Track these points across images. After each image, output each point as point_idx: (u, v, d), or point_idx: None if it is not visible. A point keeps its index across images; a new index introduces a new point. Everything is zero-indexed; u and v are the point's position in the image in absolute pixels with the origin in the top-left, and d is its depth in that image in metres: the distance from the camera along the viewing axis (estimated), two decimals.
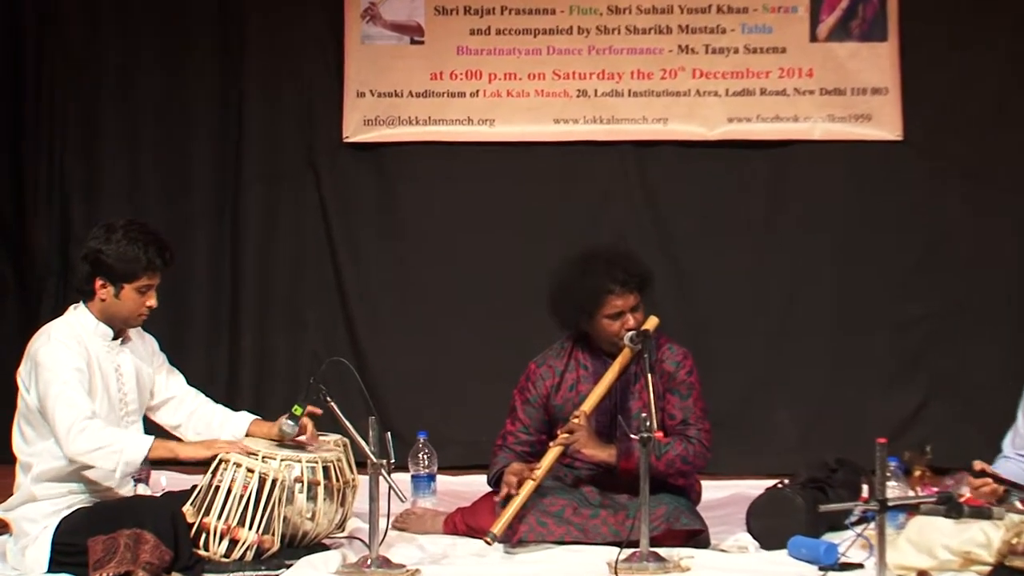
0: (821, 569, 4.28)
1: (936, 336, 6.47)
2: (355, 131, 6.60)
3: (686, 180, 6.59)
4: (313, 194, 6.64)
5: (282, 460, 4.26)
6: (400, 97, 6.57)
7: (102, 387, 4.28)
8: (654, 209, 6.60)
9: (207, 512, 4.20)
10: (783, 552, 4.47)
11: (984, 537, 3.98)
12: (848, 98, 6.43)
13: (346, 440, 4.45)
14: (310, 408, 4.38)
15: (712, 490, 5.26)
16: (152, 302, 4.31)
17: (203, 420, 4.53)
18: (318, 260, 6.65)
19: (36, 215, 6.65)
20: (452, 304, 6.59)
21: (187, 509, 4.22)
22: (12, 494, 4.33)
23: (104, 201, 6.59)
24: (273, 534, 4.22)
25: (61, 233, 6.63)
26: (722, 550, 4.57)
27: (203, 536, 4.19)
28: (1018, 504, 4.02)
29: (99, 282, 4.27)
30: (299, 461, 4.28)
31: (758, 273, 6.54)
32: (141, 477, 4.45)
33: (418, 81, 6.55)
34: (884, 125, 6.43)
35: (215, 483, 4.22)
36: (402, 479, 4.82)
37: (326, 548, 4.39)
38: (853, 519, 4.52)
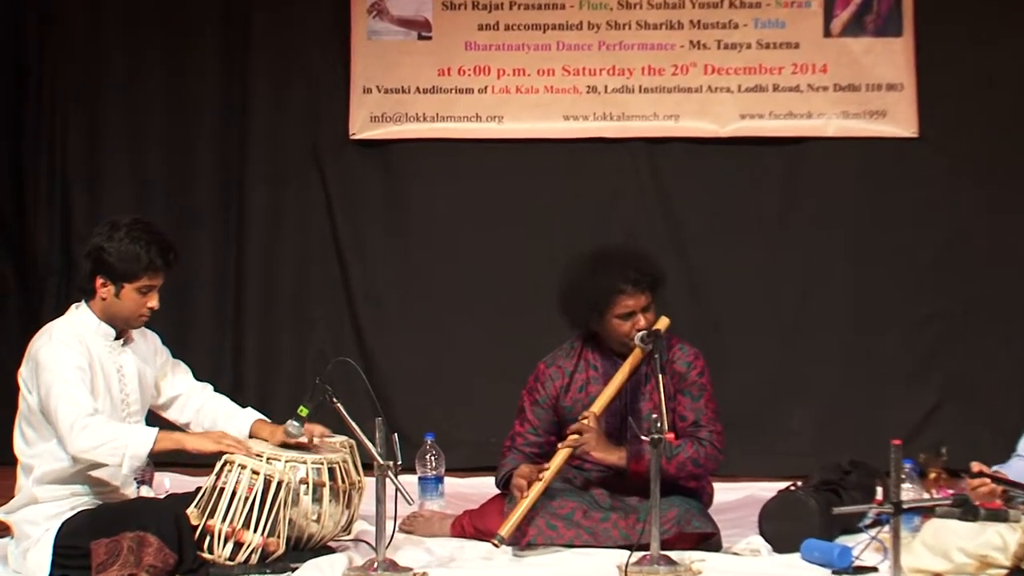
0: (835, 573, 4.26)
1: (952, 336, 6.45)
2: (361, 128, 6.57)
3: (698, 178, 6.57)
4: (319, 192, 6.62)
5: (287, 462, 4.23)
6: (407, 93, 6.55)
7: (104, 387, 4.25)
8: (665, 207, 6.57)
9: (211, 514, 4.16)
10: (796, 555, 4.44)
11: (1000, 540, 3.96)
12: (862, 94, 6.41)
13: (352, 441, 4.42)
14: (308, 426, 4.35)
15: (724, 492, 5.24)
16: (154, 303, 4.27)
17: (209, 416, 4.51)
18: (324, 258, 6.64)
19: (37, 214, 6.64)
20: (460, 303, 6.57)
21: (191, 511, 4.18)
22: (13, 496, 4.30)
23: (106, 199, 6.58)
24: (278, 537, 4.19)
25: (62, 232, 6.62)
26: (734, 553, 4.55)
27: (207, 539, 4.15)
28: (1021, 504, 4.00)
29: (100, 280, 4.24)
30: (304, 463, 4.25)
31: (771, 272, 6.52)
32: (144, 479, 4.44)
33: (425, 77, 6.53)
34: (899, 122, 6.41)
35: (219, 485, 4.19)
36: (409, 481, 4.80)
37: (332, 551, 4.35)
38: (867, 522, 4.50)
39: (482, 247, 6.56)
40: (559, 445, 4.58)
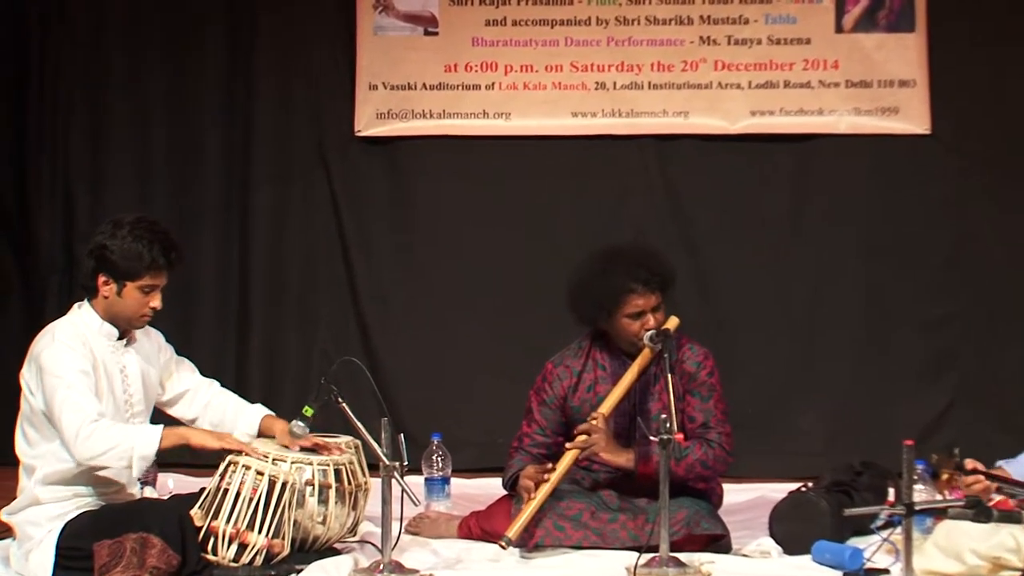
0: (846, 575, 4.23)
1: (964, 336, 6.41)
2: (367, 125, 6.54)
3: (707, 175, 6.54)
4: (324, 189, 6.60)
5: (292, 462, 4.21)
6: (413, 90, 6.52)
7: (107, 389, 4.22)
8: (674, 205, 6.54)
9: (215, 515, 4.14)
10: (807, 557, 4.42)
11: (1014, 542, 3.93)
12: (874, 91, 6.38)
13: (358, 442, 4.40)
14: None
15: (734, 493, 5.24)
16: (156, 303, 4.25)
17: (217, 412, 4.50)
18: (329, 257, 6.61)
19: (40, 212, 6.62)
20: (467, 302, 6.54)
21: (195, 512, 4.16)
22: (15, 497, 4.28)
23: (109, 197, 6.56)
24: (283, 538, 4.16)
25: (65, 230, 6.60)
26: (744, 555, 4.52)
27: (211, 540, 4.13)
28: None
29: (102, 279, 4.21)
30: (310, 464, 4.23)
31: (781, 271, 6.49)
32: (148, 480, 4.41)
33: (432, 73, 6.50)
34: (912, 118, 6.37)
35: (223, 486, 4.17)
36: (415, 482, 4.78)
37: (337, 553, 4.33)
38: (879, 523, 4.48)
39: (489, 245, 6.53)
40: (567, 446, 4.56)
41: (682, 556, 4.25)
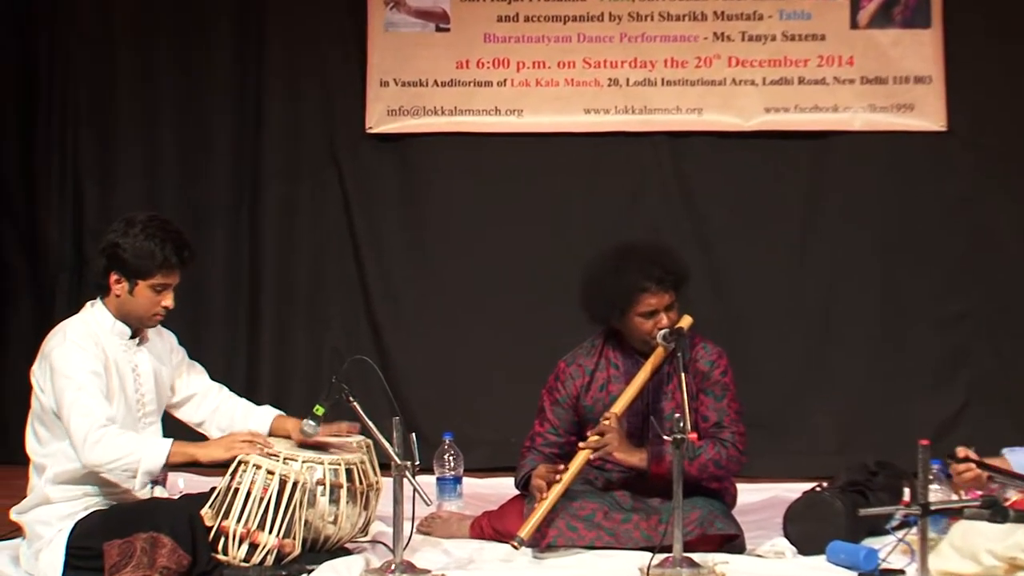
0: (861, 575, 4.20)
1: (980, 334, 6.39)
2: (378, 122, 6.53)
3: (721, 172, 6.52)
4: (335, 187, 6.60)
5: (303, 462, 4.19)
6: (425, 86, 6.51)
7: (119, 388, 4.21)
8: (688, 202, 6.53)
9: (226, 515, 4.12)
10: (821, 558, 4.40)
11: None
12: (890, 87, 6.35)
13: (369, 441, 4.38)
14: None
15: (748, 493, 5.22)
16: (168, 302, 4.24)
17: (226, 416, 4.48)
18: (340, 255, 6.61)
19: (49, 210, 6.63)
20: (479, 300, 6.53)
21: (205, 512, 4.14)
22: (25, 496, 4.27)
23: (119, 195, 6.57)
24: (294, 538, 4.14)
25: (74, 228, 6.61)
26: (758, 555, 4.50)
27: (222, 540, 4.11)
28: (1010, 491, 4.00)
29: (114, 277, 4.20)
30: (321, 463, 4.21)
31: (796, 269, 6.48)
32: (158, 479, 4.39)
33: (443, 70, 6.49)
34: (927, 115, 6.35)
35: (234, 485, 4.15)
36: (427, 481, 4.81)
37: (349, 552, 4.31)
38: (894, 524, 4.41)
39: (501, 243, 6.52)
40: (580, 445, 4.54)
41: (696, 556, 4.23)
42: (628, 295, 4.51)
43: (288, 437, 4.40)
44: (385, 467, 4.27)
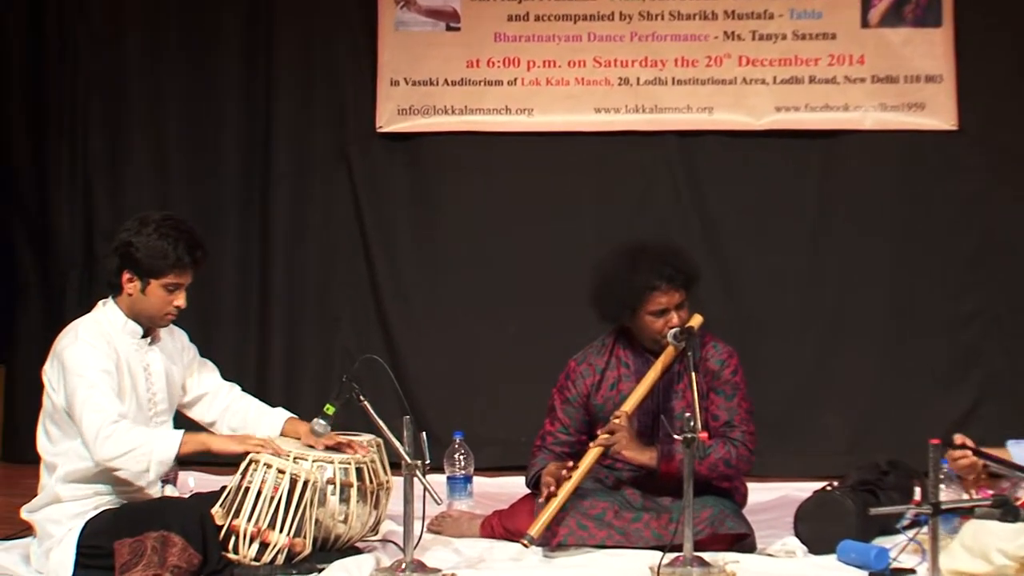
0: (872, 575, 4.19)
1: (991, 333, 6.37)
2: (389, 121, 6.53)
3: (732, 171, 6.51)
4: (345, 186, 6.59)
5: (314, 461, 4.19)
6: (435, 86, 6.51)
7: (131, 388, 4.21)
8: (698, 201, 6.52)
9: (236, 514, 4.12)
10: (832, 557, 4.38)
11: None
12: (901, 86, 6.34)
13: (380, 440, 4.38)
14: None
15: (759, 492, 5.21)
16: (180, 302, 4.24)
17: (238, 416, 4.47)
18: (350, 254, 6.60)
19: (60, 208, 6.64)
20: (489, 299, 6.53)
21: (216, 511, 4.14)
22: (36, 495, 4.27)
23: (129, 194, 6.57)
24: (304, 537, 4.15)
25: (84, 226, 6.62)
26: (769, 554, 4.49)
27: (232, 539, 4.11)
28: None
29: (127, 276, 4.21)
30: (331, 462, 4.22)
31: (806, 268, 6.46)
32: (169, 478, 4.40)
33: (454, 69, 6.49)
34: (938, 114, 6.34)
35: (245, 484, 4.15)
36: (437, 481, 4.78)
37: (359, 551, 4.31)
38: (905, 523, 4.48)
39: (512, 242, 6.51)
40: (590, 444, 4.53)
41: (706, 555, 4.22)
42: (639, 293, 4.51)
43: (299, 439, 4.38)
44: (396, 466, 4.26)
